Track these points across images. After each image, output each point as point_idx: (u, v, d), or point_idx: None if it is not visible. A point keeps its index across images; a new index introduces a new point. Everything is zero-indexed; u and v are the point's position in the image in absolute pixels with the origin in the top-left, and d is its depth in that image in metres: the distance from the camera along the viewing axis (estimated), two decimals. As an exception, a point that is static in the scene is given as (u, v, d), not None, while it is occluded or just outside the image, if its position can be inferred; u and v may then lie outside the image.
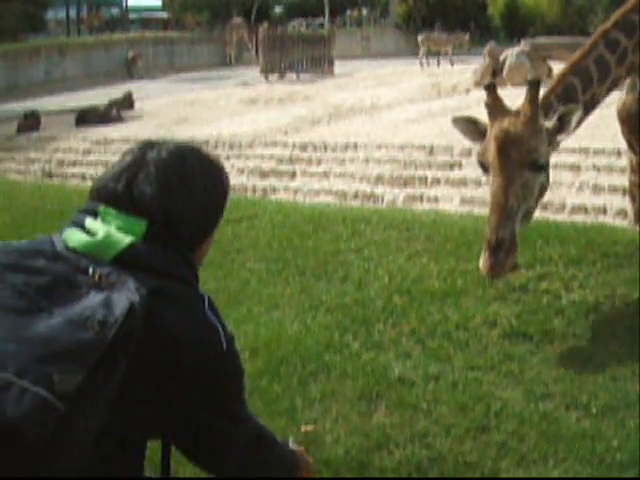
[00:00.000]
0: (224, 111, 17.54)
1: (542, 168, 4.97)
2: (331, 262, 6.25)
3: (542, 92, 5.19)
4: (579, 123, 5.35)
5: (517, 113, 5.01)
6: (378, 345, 4.91)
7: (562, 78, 5.44)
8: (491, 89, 5.10)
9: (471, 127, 5.22)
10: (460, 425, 4.02)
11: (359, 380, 4.50)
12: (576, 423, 4.00)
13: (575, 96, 5.39)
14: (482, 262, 4.82)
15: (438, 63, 27.86)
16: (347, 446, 3.90)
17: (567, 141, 11.62)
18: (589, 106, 5.52)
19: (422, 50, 28.62)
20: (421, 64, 27.23)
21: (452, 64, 25.89)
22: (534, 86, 4.97)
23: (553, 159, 11.28)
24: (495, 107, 5.06)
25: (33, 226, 8.55)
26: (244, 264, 6.45)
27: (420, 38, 29.51)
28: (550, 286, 5.47)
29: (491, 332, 4.94)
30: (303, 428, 4.08)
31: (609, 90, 5.68)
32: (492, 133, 4.97)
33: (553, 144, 5.12)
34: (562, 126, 5.06)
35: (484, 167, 5.05)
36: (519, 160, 4.87)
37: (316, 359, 4.77)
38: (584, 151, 11.05)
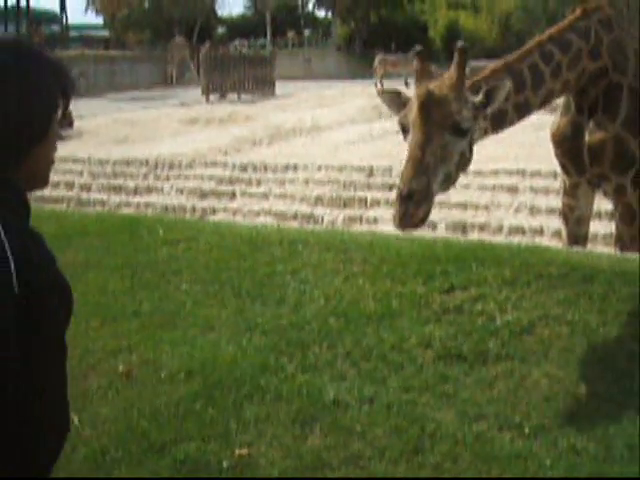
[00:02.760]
0: (164, 131, 17.47)
1: (464, 133, 4.99)
2: (267, 284, 6.23)
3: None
4: (510, 124, 5.44)
5: (442, 77, 5.06)
6: (313, 367, 4.90)
7: (493, 73, 5.50)
8: (421, 56, 5.16)
9: (396, 99, 5.27)
10: (394, 447, 4.02)
11: (294, 403, 4.48)
12: (509, 443, 4.02)
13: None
14: (392, 214, 4.83)
15: (378, 85, 28.07)
16: (281, 469, 3.89)
17: (504, 163, 11.80)
18: (521, 110, 5.60)
19: (379, 72, 28.75)
20: (376, 85, 27.43)
21: (407, 84, 25.97)
22: (462, 52, 5.01)
23: (490, 181, 11.43)
24: (422, 71, 5.13)
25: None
26: (180, 286, 6.40)
27: (377, 60, 29.67)
28: (485, 307, 5.51)
29: (426, 353, 4.96)
30: (237, 452, 4.06)
31: (543, 103, 5.76)
32: (416, 92, 5.01)
33: (478, 118, 5.14)
34: (489, 100, 5.11)
35: (404, 130, 5.06)
36: (440, 121, 4.90)
37: (251, 382, 4.74)
38: (521, 173, 11.23)
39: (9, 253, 1.67)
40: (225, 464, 3.97)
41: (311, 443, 4.12)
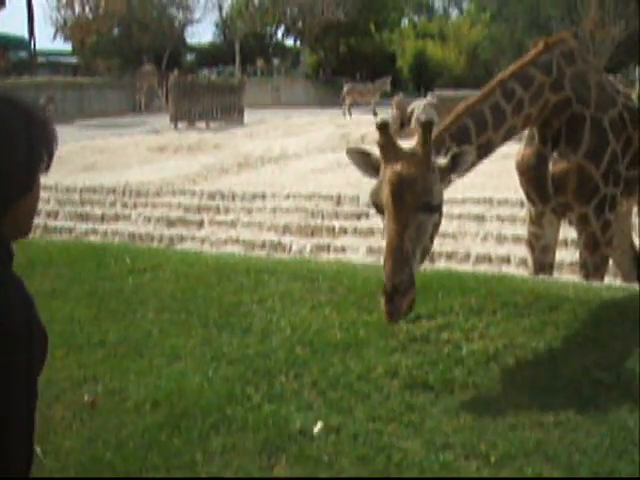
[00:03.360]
0: (133, 158, 17.44)
1: (436, 208, 5.06)
2: (234, 313, 6.21)
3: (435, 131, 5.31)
4: (472, 166, 5.47)
5: (410, 154, 5.04)
6: (280, 397, 4.88)
7: (456, 119, 5.57)
8: (384, 128, 5.11)
9: (365, 160, 5.27)
10: (361, 476, 4.01)
11: (260, 433, 4.46)
12: (476, 472, 4.03)
13: (468, 138, 5.55)
14: (382, 307, 4.88)
15: (346, 113, 28.20)
16: (247, 502, 3.86)
17: (472, 192, 11.87)
18: (484, 150, 5.68)
19: (348, 101, 28.86)
20: (344, 114, 27.53)
21: (375, 114, 26.02)
22: (426, 128, 5.01)
23: (457, 210, 11.49)
24: (388, 147, 5.08)
25: None
26: (146, 315, 6.37)
27: (346, 89, 29.80)
28: (451, 336, 5.53)
29: (392, 383, 4.96)
30: (204, 483, 4.03)
31: (505, 139, 5.85)
32: (386, 176, 5.00)
33: (445, 182, 5.20)
34: (454, 166, 5.16)
35: (378, 207, 5.12)
36: (413, 203, 4.92)
37: (217, 412, 4.72)
38: (488, 202, 11.31)
39: None
40: (190, 496, 3.94)
41: (277, 473, 4.10)
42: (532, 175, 6.41)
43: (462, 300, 6.05)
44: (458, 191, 11.37)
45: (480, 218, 11.04)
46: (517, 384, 4.91)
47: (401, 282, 4.80)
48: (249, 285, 6.75)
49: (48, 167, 1.82)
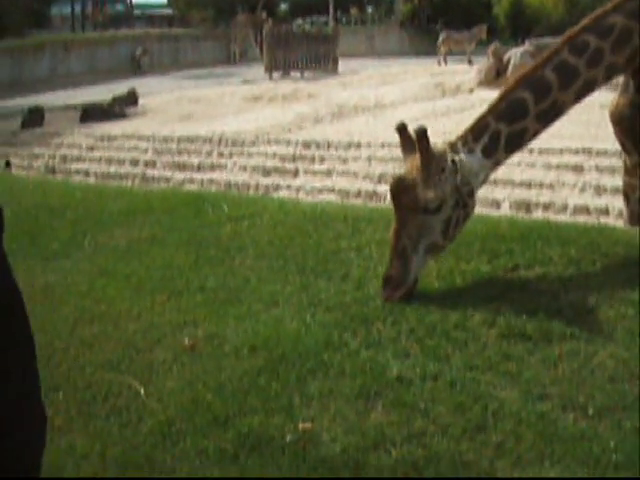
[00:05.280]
0: (228, 108, 17.56)
1: (436, 210, 5.40)
2: (331, 260, 6.25)
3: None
4: (536, 134, 5.61)
5: (417, 159, 5.45)
6: (377, 344, 4.91)
7: (505, 95, 5.64)
8: (402, 130, 5.64)
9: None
10: (457, 425, 4.01)
11: (357, 379, 4.49)
12: (573, 424, 3.98)
13: (523, 111, 5.55)
14: None
15: (441, 62, 27.83)
16: (344, 444, 3.89)
17: (570, 142, 11.63)
18: (550, 114, 5.66)
19: (443, 49, 28.50)
20: (439, 63, 27.23)
21: (470, 62, 25.65)
22: (421, 136, 5.39)
23: (555, 160, 11.27)
24: (406, 146, 5.60)
25: (34, 222, 8.57)
26: (244, 262, 6.45)
27: (441, 37, 29.41)
28: (549, 286, 5.47)
29: (490, 332, 4.93)
30: (301, 426, 4.08)
31: (582, 94, 5.76)
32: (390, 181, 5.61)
33: (486, 167, 5.64)
34: (490, 151, 5.60)
35: None
36: (410, 206, 5.37)
37: (315, 357, 4.77)
38: (587, 152, 11.07)
39: None
40: (288, 438, 3.99)
41: (374, 419, 4.13)
42: (627, 125, 6.25)
43: (561, 251, 5.97)
44: (556, 141, 11.16)
45: (578, 168, 10.82)
46: (616, 337, 4.83)
47: (392, 276, 5.37)
48: (346, 233, 6.77)
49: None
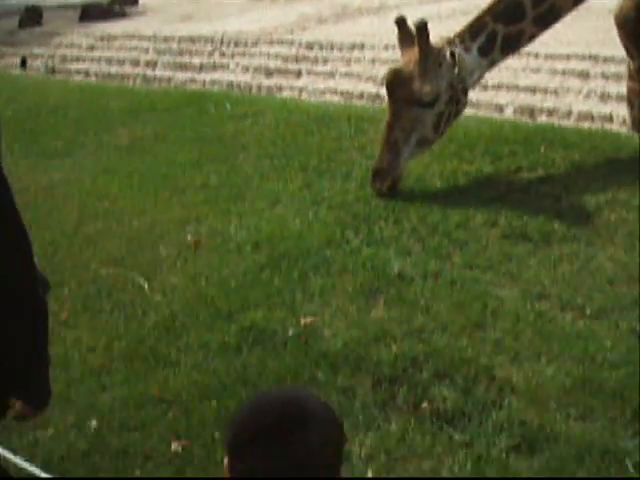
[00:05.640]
0: (230, 8, 17.23)
1: (431, 104, 5.45)
2: (334, 159, 6.25)
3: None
4: (532, 37, 5.62)
5: (415, 53, 5.45)
6: (379, 242, 4.94)
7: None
8: (401, 24, 5.63)
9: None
10: (457, 322, 4.07)
11: (359, 275, 4.54)
12: (571, 323, 4.04)
13: (520, 13, 5.55)
14: None
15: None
16: (345, 339, 3.95)
17: (576, 48, 11.42)
18: (548, 18, 5.66)
19: None
20: None
21: None
22: (421, 31, 5.39)
23: (561, 65, 11.14)
24: (404, 40, 5.60)
25: (36, 121, 8.53)
26: (247, 160, 6.45)
27: None
28: (552, 189, 5.48)
29: (491, 232, 4.96)
30: (303, 321, 4.14)
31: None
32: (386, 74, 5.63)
33: (481, 66, 5.69)
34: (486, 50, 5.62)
35: None
36: (406, 98, 5.41)
37: (317, 254, 4.81)
38: (593, 58, 10.90)
39: None
40: (290, 332, 4.06)
41: (375, 315, 4.19)
42: (630, 28, 6.18)
43: (564, 154, 5.96)
44: (562, 47, 11.00)
45: (584, 75, 10.66)
46: (616, 240, 4.86)
47: (381, 168, 5.48)
48: (349, 132, 6.76)
49: None
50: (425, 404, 3.43)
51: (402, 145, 5.46)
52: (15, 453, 2.96)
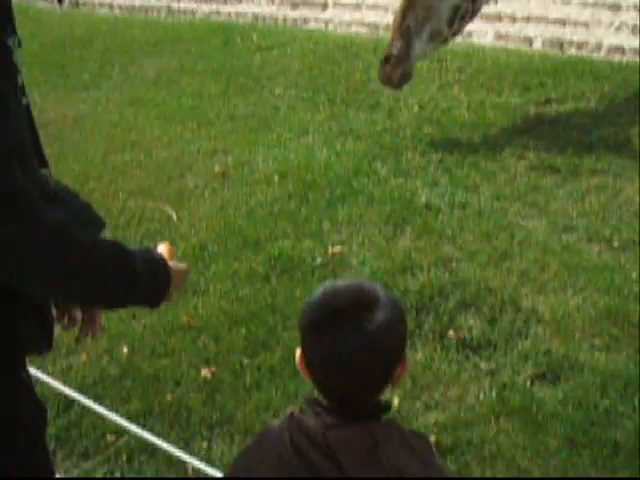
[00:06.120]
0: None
1: None
2: (362, 90, 6.22)
3: None
4: None
5: None
6: (406, 172, 4.94)
7: None
8: None
9: None
10: (483, 252, 4.08)
11: (386, 205, 4.55)
12: (597, 255, 4.03)
13: None
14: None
15: None
16: (373, 268, 3.98)
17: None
18: None
19: None
20: None
21: None
22: None
23: (592, -3, 10.90)
24: None
25: (62, 53, 8.52)
26: (274, 91, 6.43)
27: None
28: (581, 121, 5.44)
29: (519, 164, 4.94)
30: (330, 250, 4.17)
31: None
32: None
33: None
34: None
35: None
36: None
37: (344, 184, 4.82)
38: (626, -11, 10.70)
39: None
40: (318, 261, 4.08)
41: (402, 244, 4.20)
42: None
43: (594, 87, 5.90)
44: (594, -23, 10.80)
45: (615, 7, 10.48)
46: (646, 175, 4.82)
47: (393, 54, 5.25)
48: (377, 64, 6.66)
49: None
50: (451, 333, 3.45)
51: (414, 35, 5.30)
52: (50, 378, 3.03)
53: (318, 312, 1.43)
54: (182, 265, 1.66)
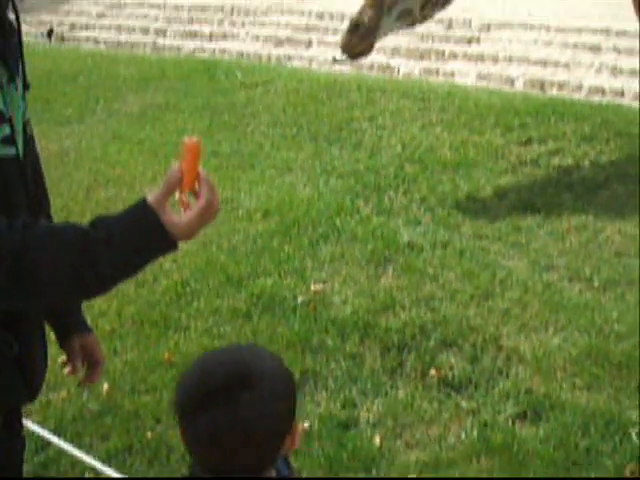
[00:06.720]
0: (240, -23, 17.16)
1: None
2: (345, 129, 6.25)
3: None
4: None
5: None
6: (388, 211, 4.96)
7: None
8: None
9: None
10: (465, 291, 4.09)
11: (368, 244, 4.56)
12: (578, 294, 4.06)
13: None
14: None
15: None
16: (354, 307, 3.98)
17: (588, 21, 11.32)
18: None
19: None
20: None
21: None
22: None
23: (572, 39, 11.07)
24: None
25: (47, 88, 8.53)
26: (258, 128, 6.46)
27: None
28: (561, 161, 5.49)
29: (500, 203, 4.98)
30: (312, 288, 4.17)
31: None
32: None
33: None
34: None
35: None
36: None
37: (327, 222, 4.83)
38: (605, 32, 10.83)
39: None
40: (300, 299, 4.08)
41: (384, 283, 4.21)
42: None
43: (575, 127, 5.96)
44: (574, 20, 10.94)
45: (596, 48, 10.62)
46: (625, 213, 4.87)
47: (362, 22, 5.15)
48: (360, 102, 6.75)
49: None
50: (433, 371, 3.45)
51: (387, 9, 5.22)
52: (27, 416, 3.01)
53: (189, 394, 1.35)
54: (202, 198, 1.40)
